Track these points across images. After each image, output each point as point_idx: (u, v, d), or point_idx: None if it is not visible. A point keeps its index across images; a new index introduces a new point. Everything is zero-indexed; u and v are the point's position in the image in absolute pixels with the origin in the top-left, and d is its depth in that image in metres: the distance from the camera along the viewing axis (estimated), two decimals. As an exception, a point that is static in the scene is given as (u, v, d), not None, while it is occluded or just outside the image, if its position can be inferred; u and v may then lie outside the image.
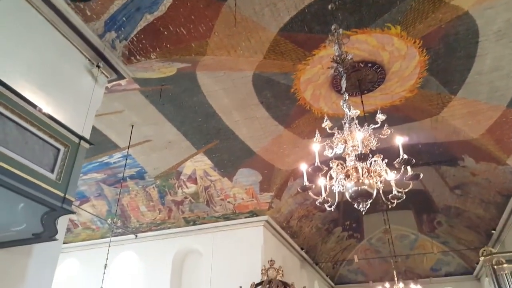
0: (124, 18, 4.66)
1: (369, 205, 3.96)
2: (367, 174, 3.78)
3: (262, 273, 8.64)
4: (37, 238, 3.32)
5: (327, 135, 4.33)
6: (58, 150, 3.10)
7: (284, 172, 9.28)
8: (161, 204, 10.09)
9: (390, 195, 3.95)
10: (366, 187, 3.69)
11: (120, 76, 5.21)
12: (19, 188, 2.71)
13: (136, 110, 7.99)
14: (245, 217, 9.63)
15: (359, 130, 4.02)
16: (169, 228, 10.22)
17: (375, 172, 3.86)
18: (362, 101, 7.55)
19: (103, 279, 7.19)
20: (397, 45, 6.50)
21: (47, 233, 3.25)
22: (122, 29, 4.91)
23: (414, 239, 14.09)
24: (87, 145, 3.29)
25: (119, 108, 7.91)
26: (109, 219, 8.83)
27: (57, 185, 3.03)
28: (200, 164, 9.25)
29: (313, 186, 3.89)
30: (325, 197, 4.02)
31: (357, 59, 6.86)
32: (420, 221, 13.23)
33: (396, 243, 13.72)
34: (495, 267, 8.31)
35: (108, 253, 7.45)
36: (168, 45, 5.46)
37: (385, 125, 4.10)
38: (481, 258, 8.65)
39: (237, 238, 9.47)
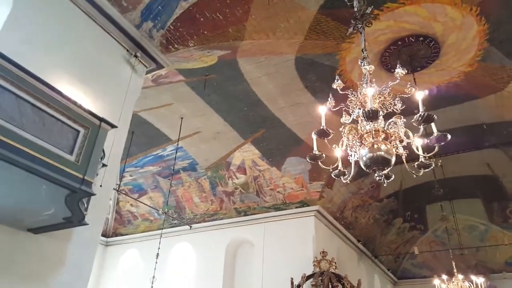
0: (159, 7, 4.78)
1: (387, 173, 3.43)
2: (384, 138, 3.29)
3: (314, 265, 8.43)
4: (68, 222, 3.38)
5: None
6: (78, 132, 3.11)
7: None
8: (213, 195, 10.30)
9: (416, 163, 3.34)
10: (382, 152, 3.13)
11: (159, 66, 5.35)
12: (35, 169, 2.73)
13: (184, 102, 8.22)
14: (296, 207, 9.48)
15: (371, 86, 3.49)
16: (221, 219, 10.40)
17: (395, 135, 3.34)
18: (414, 79, 7.05)
19: (155, 268, 7.48)
20: (451, 15, 5.94)
21: (75, 217, 3.30)
22: (159, 18, 5.03)
23: (485, 230, 12.88)
24: (109, 128, 3.33)
25: (168, 101, 8.20)
26: (161, 210, 9.18)
27: (76, 167, 3.02)
28: (248, 154, 9.28)
29: (323, 154, 3.49)
30: (341, 169, 3.65)
31: (407, 33, 6.40)
32: (490, 210, 12.06)
33: (464, 235, 12.66)
34: None
35: (160, 243, 7.77)
36: (205, 32, 5.50)
37: (409, 83, 3.54)
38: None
39: (288, 229, 9.35)
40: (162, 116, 8.75)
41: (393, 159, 3.22)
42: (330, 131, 3.40)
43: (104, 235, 12.43)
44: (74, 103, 3.11)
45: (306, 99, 7.79)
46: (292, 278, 8.16)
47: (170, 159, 9.93)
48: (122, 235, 12.20)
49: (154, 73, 5.55)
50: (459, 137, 8.54)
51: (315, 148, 3.59)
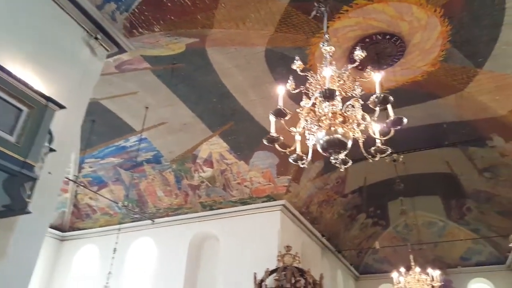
0: (124, -12, 4.55)
1: (344, 159, 3.47)
2: (342, 121, 3.27)
3: (278, 260, 8.44)
4: (9, 210, 3.05)
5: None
6: (20, 111, 2.85)
7: (306, 166, 8.99)
8: (178, 189, 10.07)
9: (373, 148, 3.33)
10: (339, 135, 3.14)
11: (122, 50, 5.10)
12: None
13: (150, 91, 7.95)
14: (262, 202, 9.45)
15: (330, 68, 3.48)
16: (186, 213, 10.19)
17: (352, 119, 3.32)
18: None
19: (111, 264, 7.21)
20: (416, 14, 6.08)
21: (16, 205, 3.00)
22: (123, 0, 4.78)
23: (443, 226, 13.46)
24: (56, 108, 3.08)
25: (133, 89, 7.90)
26: (120, 203, 8.85)
27: (17, 149, 2.77)
28: (216, 147, 9.13)
29: (281, 137, 3.44)
30: (299, 153, 3.61)
31: (375, 30, 6.49)
32: (448, 207, 12.60)
33: (423, 230, 13.18)
34: (528, 253, 7.77)
35: (118, 237, 7.47)
36: (172, 17, 5.31)
37: (368, 68, 3.55)
38: (511, 244, 8.09)
39: (253, 223, 9.31)
40: (126, 105, 8.42)
41: (350, 143, 3.21)
42: (287, 111, 3.34)
43: (59, 229, 11.87)
44: (17, 79, 2.82)
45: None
46: (255, 273, 8.13)
47: (133, 151, 9.60)
48: (79, 229, 11.70)
49: (116, 57, 5.28)
50: (421, 135, 8.83)
51: (272, 130, 3.52)
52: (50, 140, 3.26)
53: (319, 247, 11.83)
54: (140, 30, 5.22)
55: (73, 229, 11.85)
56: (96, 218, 11.53)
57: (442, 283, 9.33)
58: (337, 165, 3.41)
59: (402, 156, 6.15)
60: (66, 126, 4.05)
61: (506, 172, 9.43)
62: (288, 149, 3.57)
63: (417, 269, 9.18)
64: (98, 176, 10.65)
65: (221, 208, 9.80)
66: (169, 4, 5.17)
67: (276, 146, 3.51)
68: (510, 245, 8.22)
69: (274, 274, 8.13)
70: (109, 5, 4.79)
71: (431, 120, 8.48)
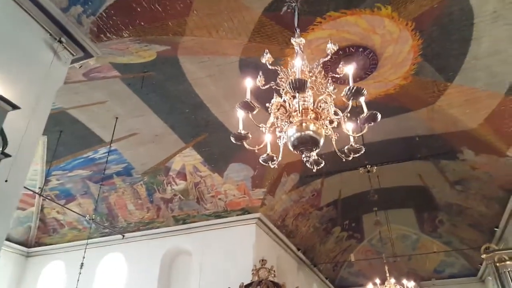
0: (90, -10, 4.37)
1: (316, 159, 3.29)
2: (313, 118, 3.10)
3: (253, 274, 8.22)
4: None
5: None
6: None
7: (277, 167, 8.87)
8: (150, 202, 9.73)
9: (346, 147, 3.18)
10: (311, 132, 2.95)
11: (88, 54, 4.89)
12: None
13: (119, 101, 7.69)
14: (237, 215, 9.24)
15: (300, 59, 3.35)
16: (158, 227, 9.84)
17: (325, 115, 3.17)
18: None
19: (78, 280, 6.80)
20: (388, 28, 6.16)
21: None
22: (89, 3, 4.61)
23: (416, 239, 13.60)
24: (8, 108, 2.87)
25: (101, 98, 7.62)
26: (87, 216, 8.45)
27: None
28: (189, 159, 8.91)
29: (249, 134, 3.20)
30: (270, 153, 3.39)
31: (348, 43, 6.53)
32: (421, 220, 12.77)
33: (398, 243, 13.25)
34: (498, 264, 7.86)
35: (85, 251, 7.08)
36: (142, 23, 5.15)
37: (341, 63, 3.45)
38: (483, 256, 8.18)
39: (228, 237, 9.07)
40: (94, 115, 8.10)
41: (322, 140, 3.04)
42: (256, 105, 3.12)
43: (25, 245, 11.24)
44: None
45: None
46: (229, 288, 7.88)
47: (102, 163, 9.21)
48: (46, 244, 11.09)
49: (82, 62, 5.05)
50: (394, 147, 8.92)
51: (240, 126, 3.27)
52: (4, 144, 3.00)
53: (295, 261, 11.66)
54: (108, 35, 5.03)
55: (39, 245, 11.24)
56: (64, 233, 10.98)
57: None
58: (308, 165, 3.25)
59: (375, 167, 6.14)
60: (25, 131, 3.79)
61: (476, 185, 9.62)
62: (257, 147, 3.37)
63: (392, 280, 9.15)
64: (66, 189, 10.18)
65: (195, 222, 9.52)
66: (138, 9, 5.02)
67: (245, 144, 3.27)
68: (482, 257, 8.31)
69: (249, 289, 7.91)
70: (75, 8, 4.59)
71: (404, 133, 8.58)
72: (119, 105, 7.77)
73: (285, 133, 3.11)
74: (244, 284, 7.99)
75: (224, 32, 5.83)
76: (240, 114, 3.24)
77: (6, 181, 3.40)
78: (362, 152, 3.15)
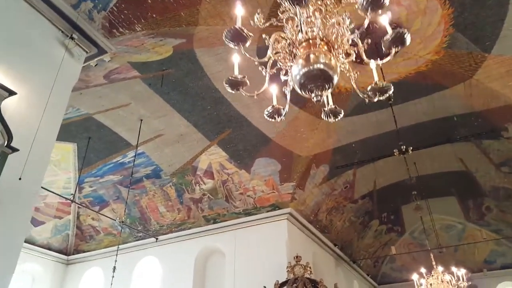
0: (99, -16, 4.31)
1: (328, 94, 2.61)
2: (324, 48, 2.35)
3: (287, 271, 7.91)
4: None
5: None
6: None
7: (305, 159, 8.56)
8: (180, 203, 9.67)
9: (369, 87, 2.50)
10: (321, 65, 2.27)
11: (102, 51, 4.83)
12: None
13: (142, 102, 7.67)
14: (267, 211, 8.98)
15: None
16: (189, 228, 9.75)
17: (338, 45, 2.44)
18: (381, 69, 6.78)
19: (111, 284, 6.79)
20: (414, -2, 5.73)
21: None
22: (100, -2, 4.54)
23: (462, 228, 12.73)
24: (5, 94, 2.77)
25: (125, 100, 7.63)
26: (117, 219, 8.48)
27: None
28: (215, 156, 8.76)
29: (246, 79, 2.55)
30: (275, 105, 2.77)
31: (371, 19, 6.13)
32: (466, 208, 11.92)
33: (442, 235, 12.46)
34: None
35: (116, 255, 7.11)
36: (154, 15, 5.04)
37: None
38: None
39: (260, 235, 8.82)
40: (120, 119, 8.14)
41: (336, 76, 2.36)
42: (248, 33, 2.35)
43: (64, 252, 11.53)
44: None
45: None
46: (264, 287, 7.61)
47: (131, 167, 9.26)
48: (84, 251, 11.31)
49: (97, 59, 5.01)
50: (430, 130, 8.34)
51: (236, 71, 2.64)
52: (9, 137, 2.93)
53: (333, 258, 11.22)
54: (121, 29, 4.96)
55: (78, 252, 11.48)
56: (100, 239, 11.16)
57: (470, 283, 8.47)
58: (324, 116, 2.71)
59: (411, 148, 5.65)
60: (38, 128, 3.74)
61: (525, 164, 8.85)
62: (256, 92, 2.77)
63: (440, 269, 8.43)
64: (99, 195, 10.33)
65: (225, 220, 9.34)
66: (149, 1, 4.92)
67: (242, 91, 2.66)
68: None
69: (285, 287, 7.61)
70: (85, 3, 4.55)
71: (439, 114, 8.00)
72: (142, 107, 7.75)
73: (289, 71, 2.52)
74: (280, 282, 7.70)
75: (238, 18, 5.61)
76: (236, 59, 2.73)
77: (20, 179, 3.34)
78: (391, 91, 2.52)
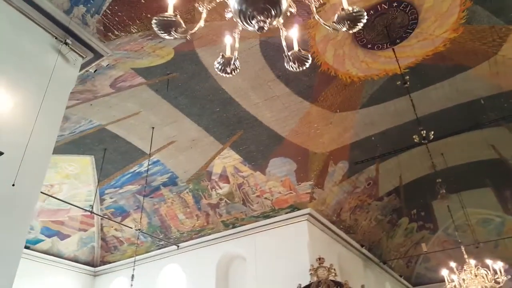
0: (89, -12, 4.22)
1: (276, 22, 2.08)
2: None
3: (311, 274, 7.55)
4: None
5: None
6: None
7: (321, 156, 8.19)
8: (198, 210, 9.51)
9: (336, 14, 2.08)
10: None
11: (98, 55, 4.75)
12: None
13: (152, 109, 7.60)
14: (286, 213, 8.65)
15: None
16: (209, 234, 9.57)
17: None
18: (395, 54, 6.37)
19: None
20: (424, -27, 5.34)
21: None
22: (91, 1, 4.46)
23: (501, 222, 11.84)
24: None
25: (134, 109, 7.58)
26: (134, 227, 8.42)
27: None
28: (229, 160, 8.56)
29: (178, 17, 2.02)
30: (224, 54, 2.34)
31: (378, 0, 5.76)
32: (503, 199, 11.06)
33: (479, 230, 11.67)
34: None
35: (134, 263, 7.01)
36: (149, 15, 4.91)
37: None
38: None
39: (280, 237, 8.50)
40: (132, 128, 8.10)
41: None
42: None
43: (91, 264, 11.64)
44: None
45: (280, 91, 7.13)
46: (287, 291, 7.29)
47: (148, 175, 9.23)
48: (110, 262, 11.37)
49: (94, 63, 4.93)
50: (455, 116, 7.78)
51: (170, 10, 2.10)
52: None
53: (360, 259, 10.70)
54: (116, 32, 4.86)
55: (104, 263, 11.56)
56: (124, 249, 11.18)
57: (510, 276, 7.65)
58: (288, 66, 2.29)
59: (432, 133, 5.15)
60: (31, 133, 3.66)
61: None
62: (190, 32, 2.20)
63: (472, 262, 7.73)
64: (120, 206, 10.36)
65: (244, 224, 9.09)
66: (143, 1, 4.79)
67: (174, 34, 2.09)
68: None
69: (309, 290, 7.26)
70: (78, 8, 4.47)
71: (464, 98, 7.44)
72: (153, 114, 7.67)
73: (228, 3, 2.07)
74: (302, 286, 7.35)
75: (236, 12, 5.41)
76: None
77: (13, 185, 3.24)
78: (364, 20, 2.04)
